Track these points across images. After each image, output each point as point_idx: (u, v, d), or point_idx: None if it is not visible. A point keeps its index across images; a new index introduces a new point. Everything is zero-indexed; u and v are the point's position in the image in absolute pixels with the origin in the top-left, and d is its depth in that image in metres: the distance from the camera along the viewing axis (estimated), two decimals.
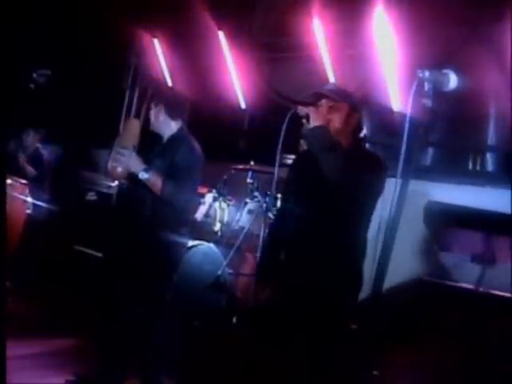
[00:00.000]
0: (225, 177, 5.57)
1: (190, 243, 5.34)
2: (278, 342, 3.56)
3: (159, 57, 7.47)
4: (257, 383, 3.64)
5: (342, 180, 3.36)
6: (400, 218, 2.39)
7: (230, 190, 5.59)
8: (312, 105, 3.43)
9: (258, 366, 3.66)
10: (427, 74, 2.29)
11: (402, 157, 2.52)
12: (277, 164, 3.50)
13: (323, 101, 3.53)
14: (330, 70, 6.28)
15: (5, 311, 2.95)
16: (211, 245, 5.36)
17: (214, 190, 5.55)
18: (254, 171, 5.47)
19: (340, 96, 3.51)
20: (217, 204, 5.47)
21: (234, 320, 5.04)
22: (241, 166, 5.57)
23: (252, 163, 5.45)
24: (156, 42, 7.45)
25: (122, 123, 4.25)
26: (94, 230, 5.81)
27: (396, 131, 6.25)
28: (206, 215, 5.49)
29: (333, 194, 3.44)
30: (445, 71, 2.36)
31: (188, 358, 4.74)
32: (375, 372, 4.48)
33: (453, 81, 2.36)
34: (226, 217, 5.42)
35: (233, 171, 5.61)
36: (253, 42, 6.99)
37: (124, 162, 4.12)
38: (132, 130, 4.36)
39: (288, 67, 6.64)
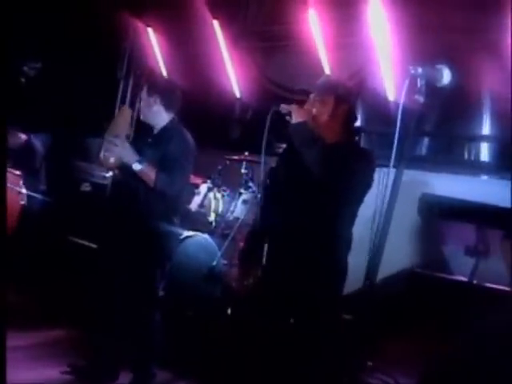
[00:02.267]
0: (219, 167, 5.55)
1: (185, 234, 5.33)
2: (268, 332, 3.61)
3: (154, 45, 7.43)
4: (250, 372, 3.68)
5: (325, 174, 3.39)
6: (394, 208, 2.36)
7: (224, 180, 5.57)
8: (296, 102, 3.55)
9: (251, 356, 3.69)
10: (420, 70, 2.25)
11: (394, 150, 2.51)
12: (262, 165, 3.60)
13: (311, 95, 3.60)
14: (324, 59, 6.25)
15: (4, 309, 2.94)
16: (206, 235, 5.34)
17: (208, 181, 5.54)
18: (248, 161, 5.46)
19: (326, 89, 3.56)
20: (211, 194, 5.45)
21: (229, 311, 5.04)
22: (235, 157, 5.55)
23: (246, 153, 5.43)
24: (150, 30, 7.40)
25: (116, 112, 4.23)
26: (88, 221, 5.79)
27: (391, 120, 6.24)
28: (201, 206, 5.47)
29: (316, 188, 3.47)
30: (438, 66, 2.33)
31: (182, 348, 4.76)
32: (369, 363, 4.51)
33: (446, 76, 2.33)
34: (220, 207, 5.40)
35: (227, 161, 5.59)
36: (247, 31, 6.95)
37: (117, 151, 4.10)
38: (124, 119, 4.34)
39: (283, 56, 6.60)
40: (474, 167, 5.42)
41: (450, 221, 3.81)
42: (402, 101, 2.21)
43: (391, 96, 6.08)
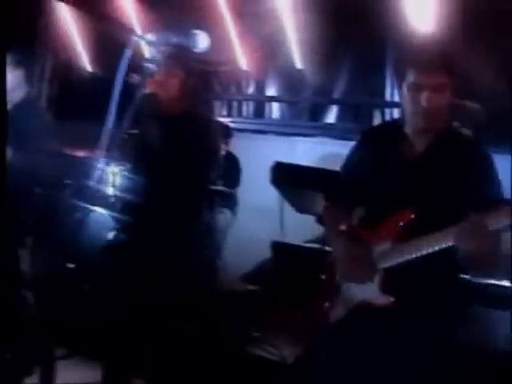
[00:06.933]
0: (118, 141, 5.52)
1: (83, 208, 5.35)
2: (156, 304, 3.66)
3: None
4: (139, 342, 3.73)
5: (170, 145, 3.41)
6: None
7: (123, 154, 5.56)
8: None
9: (144, 327, 3.75)
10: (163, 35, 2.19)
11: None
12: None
13: (159, 66, 3.57)
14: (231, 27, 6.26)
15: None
16: (104, 210, 5.35)
17: (107, 155, 5.52)
18: None
19: (174, 62, 3.54)
20: (110, 169, 5.44)
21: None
22: (133, 131, 5.53)
23: None
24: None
25: None
26: None
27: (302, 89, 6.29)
28: (99, 181, 5.46)
29: (163, 160, 3.48)
30: (193, 31, 2.31)
31: (80, 323, 4.79)
32: (255, 334, 4.56)
33: (202, 41, 2.32)
34: (118, 182, 5.40)
35: (126, 136, 5.57)
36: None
37: None
38: None
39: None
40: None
41: (302, 189, 3.81)
42: (122, 67, 2.17)
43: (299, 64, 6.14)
